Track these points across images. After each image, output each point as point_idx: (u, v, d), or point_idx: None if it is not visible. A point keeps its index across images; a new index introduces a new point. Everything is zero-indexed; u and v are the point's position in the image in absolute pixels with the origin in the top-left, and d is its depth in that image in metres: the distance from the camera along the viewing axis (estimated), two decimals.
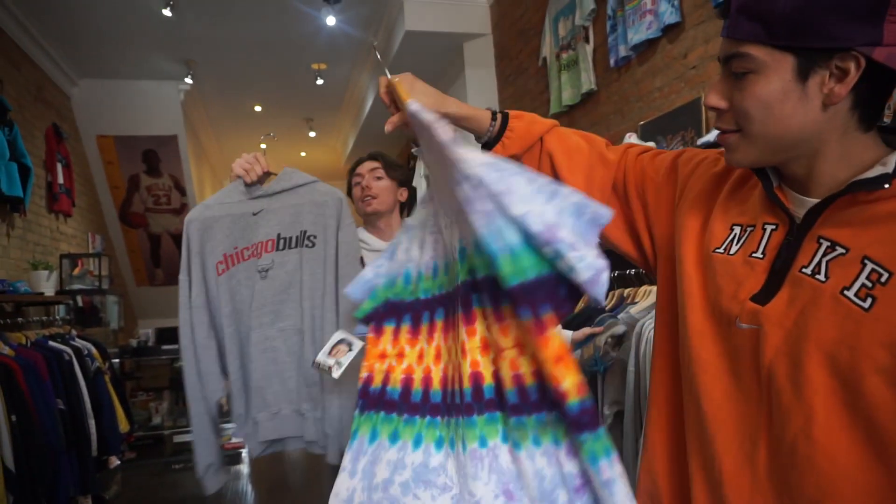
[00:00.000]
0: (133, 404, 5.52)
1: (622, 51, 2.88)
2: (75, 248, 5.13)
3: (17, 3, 4.05)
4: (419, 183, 6.09)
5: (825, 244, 0.68)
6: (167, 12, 4.23)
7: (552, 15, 3.53)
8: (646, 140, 2.69)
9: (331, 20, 4.48)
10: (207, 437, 1.51)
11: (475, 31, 4.33)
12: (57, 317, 4.02)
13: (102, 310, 5.22)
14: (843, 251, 0.67)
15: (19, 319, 3.58)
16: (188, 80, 5.46)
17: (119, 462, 3.96)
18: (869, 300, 0.63)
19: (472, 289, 0.87)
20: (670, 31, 2.60)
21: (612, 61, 2.98)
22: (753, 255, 0.74)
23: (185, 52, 5.11)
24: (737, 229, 0.78)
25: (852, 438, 0.64)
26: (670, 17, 2.54)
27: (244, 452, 5.52)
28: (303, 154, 8.72)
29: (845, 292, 0.65)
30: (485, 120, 0.96)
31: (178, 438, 5.77)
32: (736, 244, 0.77)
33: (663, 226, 0.90)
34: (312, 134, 7.39)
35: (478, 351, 0.86)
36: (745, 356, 0.72)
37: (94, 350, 3.70)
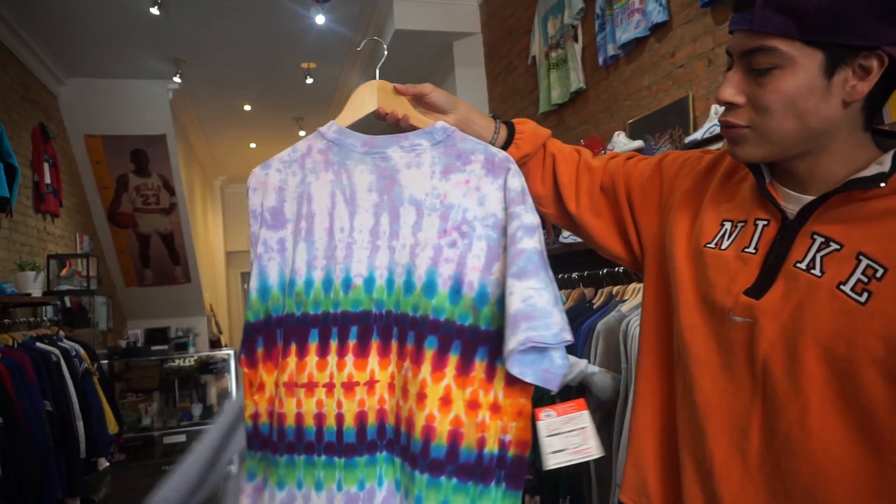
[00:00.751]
0: (122, 406, 5.48)
1: (611, 49, 2.89)
2: (63, 248, 5.09)
3: (2, 2, 4.01)
4: None
5: (819, 240, 0.70)
6: (155, 11, 4.20)
7: (541, 14, 3.53)
8: (634, 138, 2.70)
9: (320, 19, 4.47)
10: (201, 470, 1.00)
11: (465, 30, 4.33)
12: (44, 318, 3.99)
13: (91, 311, 5.18)
14: (838, 247, 0.68)
15: (6, 321, 3.54)
16: (177, 79, 5.43)
17: (108, 464, 3.93)
18: (865, 295, 0.65)
19: (461, 334, 0.83)
20: (658, 29, 2.62)
21: (600, 60, 2.99)
22: (746, 250, 0.75)
23: (173, 50, 5.08)
24: (727, 225, 0.80)
25: (845, 427, 0.66)
26: (658, 15, 2.56)
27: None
28: None
29: (841, 287, 0.67)
30: (490, 126, 0.99)
31: (169, 440, 5.74)
32: (727, 239, 0.78)
33: (650, 224, 0.92)
34: (302, 133, 7.36)
35: (437, 403, 0.82)
36: (738, 349, 0.74)
37: (82, 351, 3.67)
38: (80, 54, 4.98)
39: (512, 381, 0.82)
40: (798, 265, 0.70)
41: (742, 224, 0.78)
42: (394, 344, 0.86)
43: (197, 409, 6.02)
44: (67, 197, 5.26)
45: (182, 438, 5.75)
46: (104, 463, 3.77)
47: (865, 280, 0.65)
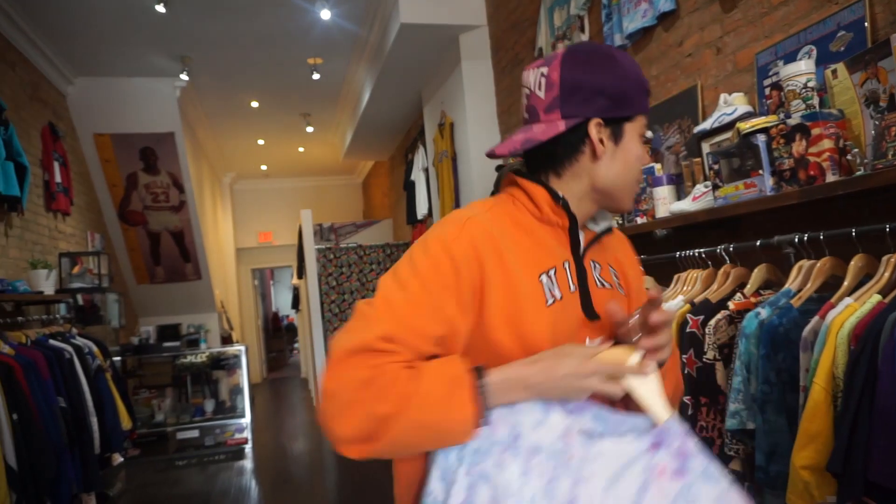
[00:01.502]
0: (136, 402, 5.55)
1: (618, 40, 2.87)
2: (74, 246, 5.14)
3: (10, 2, 4.04)
4: (417, 177, 6.07)
5: (593, 263, 0.96)
6: (161, 8, 4.21)
7: (547, 5, 3.51)
8: None
9: (325, 14, 4.47)
10: None
11: (471, 23, 4.31)
12: (57, 315, 4.03)
13: (103, 308, 5.23)
14: (602, 265, 0.98)
15: (19, 318, 3.59)
16: (184, 77, 5.45)
17: (122, 459, 3.98)
18: (624, 287, 1.01)
19: None
20: (665, 18, 2.59)
21: None
22: (572, 290, 0.91)
23: (179, 48, 5.10)
24: (544, 277, 0.89)
25: None
26: (665, 4, 2.53)
27: (247, 448, 5.55)
28: (301, 150, 8.70)
29: (617, 287, 0.98)
30: None
31: (182, 435, 5.80)
32: (555, 289, 0.89)
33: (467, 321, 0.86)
34: (310, 129, 7.37)
35: None
36: None
37: (94, 348, 3.71)
38: (87, 53, 5.01)
39: None
40: (597, 284, 0.94)
41: (553, 270, 0.90)
42: None
43: (209, 405, 6.08)
44: (78, 195, 5.31)
45: (195, 434, 5.80)
46: (118, 458, 3.81)
47: (619, 278, 1.00)
